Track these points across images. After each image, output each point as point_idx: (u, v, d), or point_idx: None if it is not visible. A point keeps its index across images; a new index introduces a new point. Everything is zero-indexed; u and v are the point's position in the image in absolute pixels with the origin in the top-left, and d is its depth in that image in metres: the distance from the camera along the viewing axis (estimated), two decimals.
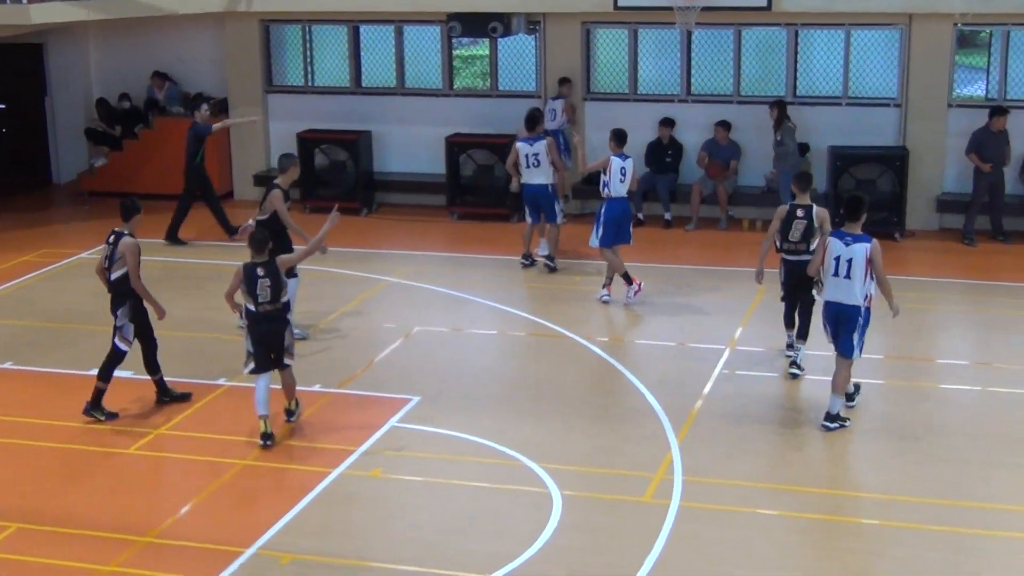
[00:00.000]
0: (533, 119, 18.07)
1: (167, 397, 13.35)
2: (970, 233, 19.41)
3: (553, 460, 11.84)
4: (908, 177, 19.56)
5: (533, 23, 21.18)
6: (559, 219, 18.00)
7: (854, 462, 12.06)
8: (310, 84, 22.93)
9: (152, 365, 13.29)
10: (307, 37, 22.90)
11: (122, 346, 13.01)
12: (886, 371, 14.23)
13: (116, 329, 13.03)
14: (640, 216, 20.53)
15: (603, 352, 14.77)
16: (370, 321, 15.99)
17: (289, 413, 12.78)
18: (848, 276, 12.26)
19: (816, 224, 13.76)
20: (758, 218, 20.43)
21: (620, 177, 16.23)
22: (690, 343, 15.18)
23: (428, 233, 20.67)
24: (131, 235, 13.11)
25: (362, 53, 22.59)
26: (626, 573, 9.83)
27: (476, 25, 20.33)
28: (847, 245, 12.29)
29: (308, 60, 22.99)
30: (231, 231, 19.51)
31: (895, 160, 19.63)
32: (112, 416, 13.02)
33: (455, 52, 22.56)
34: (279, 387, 12.51)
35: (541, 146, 17.76)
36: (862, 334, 12.44)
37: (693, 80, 21.21)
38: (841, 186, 19.54)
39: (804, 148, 20.26)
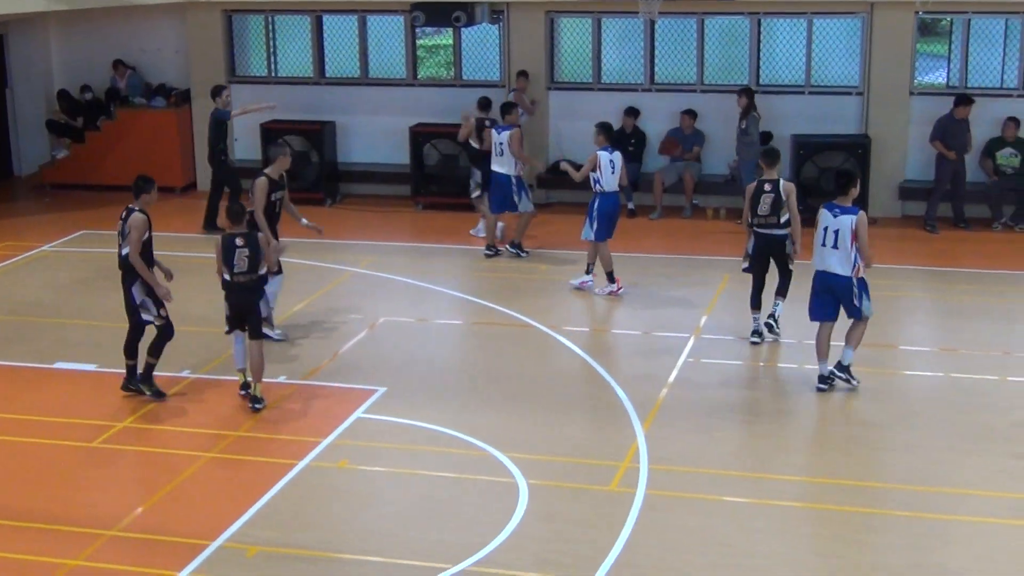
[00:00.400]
0: (503, 108, 18.33)
1: (132, 386, 13.21)
2: (932, 220, 19.54)
3: (519, 450, 11.85)
4: (870, 165, 19.66)
5: (497, 12, 21.16)
6: (522, 208, 18.01)
7: (820, 449, 12.12)
8: (273, 74, 22.85)
9: (131, 349, 13.16)
10: (270, 27, 22.81)
11: (148, 319, 12.97)
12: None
13: (136, 308, 12.93)
14: (631, 207, 20.48)
15: (569, 341, 14.79)
16: (335, 312, 15.95)
17: (255, 400, 12.80)
18: (835, 246, 12.71)
19: (783, 196, 14.07)
20: (722, 206, 20.51)
21: (611, 170, 16.21)
22: (655, 332, 15.21)
23: (393, 223, 20.64)
24: (141, 211, 12.93)
25: (325, 43, 22.52)
26: (593, 562, 9.85)
27: (440, 14, 20.27)
28: (835, 216, 12.71)
29: (271, 50, 22.90)
30: (210, 226, 19.31)
31: (857, 148, 19.72)
32: (160, 395, 13.03)
33: (419, 42, 22.52)
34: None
35: (506, 136, 17.80)
36: (862, 297, 12.86)
37: (657, 69, 21.25)
38: (804, 174, 19.65)
39: (767, 137, 20.32)
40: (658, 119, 20.90)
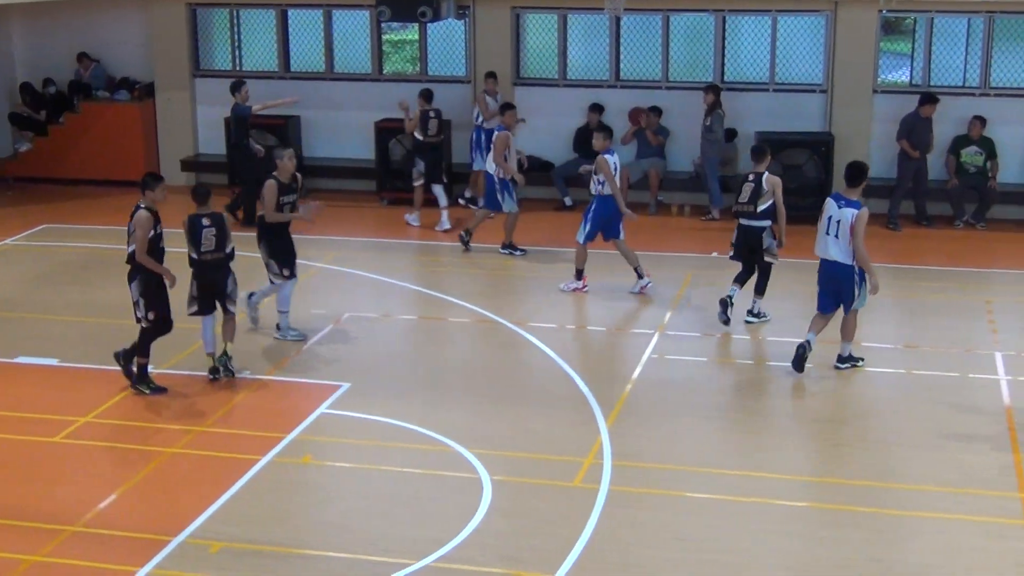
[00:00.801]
0: (500, 108, 18.55)
1: (140, 385, 13.06)
2: (895, 218, 19.66)
3: (483, 445, 11.86)
4: (834, 162, 19.75)
5: (463, 8, 21.16)
6: (505, 208, 18.01)
7: (783, 445, 12.17)
8: (238, 68, 22.76)
9: (145, 348, 13.02)
10: (235, 21, 22.72)
11: (138, 316, 12.92)
12: (814, 355, 14.37)
13: (133, 304, 12.93)
14: (568, 201, 20.62)
15: (533, 337, 14.81)
16: (299, 307, 15.88)
17: (226, 358, 13.37)
18: (836, 236, 13.15)
19: (766, 188, 14.60)
20: (686, 203, 20.58)
21: (615, 173, 16.16)
22: (619, 328, 15.25)
23: (357, 219, 20.60)
24: (147, 208, 12.82)
25: (290, 37, 22.45)
26: (556, 557, 9.87)
27: (405, 9, 20.24)
28: (839, 208, 13.16)
29: (236, 44, 22.81)
30: (249, 221, 19.11)
31: (821, 145, 19.82)
32: (160, 390, 13.01)
33: (384, 37, 22.50)
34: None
35: (494, 137, 18.02)
36: (861, 287, 13.26)
37: (622, 66, 21.29)
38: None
39: (732, 134, 20.43)
40: (623, 115, 20.94)
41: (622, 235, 16.20)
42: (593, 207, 16.19)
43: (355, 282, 17.01)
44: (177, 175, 22.33)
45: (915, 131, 19.38)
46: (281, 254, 14.51)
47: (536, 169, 21.00)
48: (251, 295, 14.88)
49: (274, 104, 20.14)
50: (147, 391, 13.02)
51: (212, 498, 10.84)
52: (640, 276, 16.26)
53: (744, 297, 15.14)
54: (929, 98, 19.41)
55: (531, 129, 20.99)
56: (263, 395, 13.21)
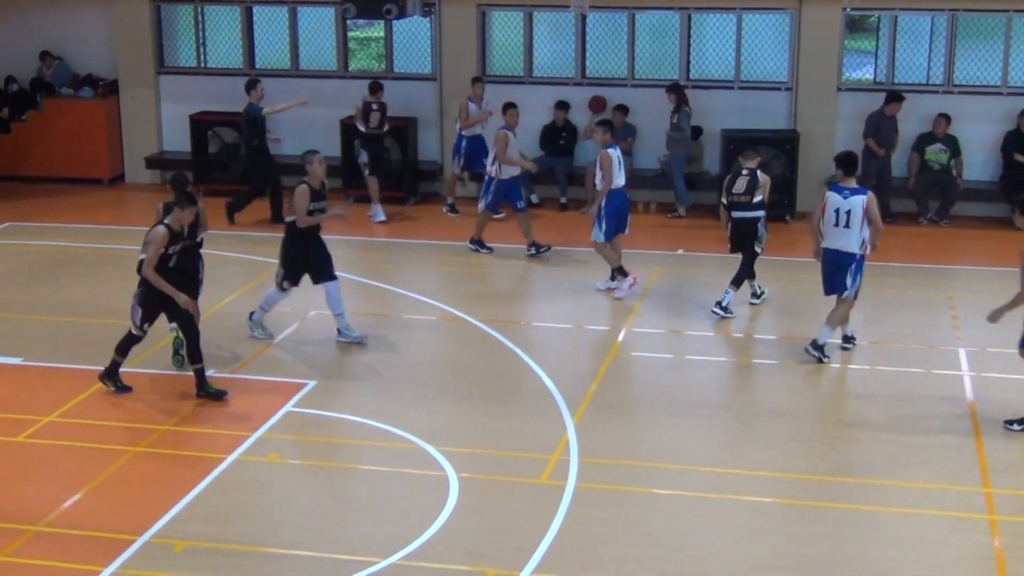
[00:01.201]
0: (503, 108, 18.23)
1: (203, 392, 12.82)
2: None
3: (449, 443, 11.85)
4: (798, 160, 19.84)
5: (428, 5, 21.11)
6: (479, 207, 18.05)
7: (748, 441, 12.21)
8: (203, 65, 22.66)
9: (194, 353, 12.78)
10: (199, 18, 22.61)
11: (132, 322, 12.78)
12: (778, 351, 14.45)
13: (131, 307, 12.82)
14: (535, 199, 20.63)
15: (499, 335, 14.81)
16: None
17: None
18: (847, 225, 13.46)
19: (761, 182, 15.14)
20: (652, 200, 20.62)
21: (619, 166, 16.13)
22: (586, 325, 15.27)
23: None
24: (168, 226, 12.53)
25: (255, 34, 22.37)
26: (522, 554, 9.87)
27: (371, 6, 20.12)
28: (845, 198, 13.44)
29: (200, 41, 22.71)
30: (277, 219, 19.16)
31: (786, 143, 19.90)
32: (125, 389, 12.89)
33: (350, 34, 22.45)
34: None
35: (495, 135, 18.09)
36: (855, 277, 13.61)
37: (588, 63, 21.32)
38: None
39: (697, 131, 20.48)
40: (589, 113, 20.94)
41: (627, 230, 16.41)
42: (604, 202, 16.01)
43: None
44: (142, 173, 22.27)
45: (881, 129, 19.48)
46: (293, 264, 14.23)
47: None
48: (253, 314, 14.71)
49: (284, 107, 20.02)
50: (112, 388, 12.93)
51: (177, 497, 10.79)
52: (617, 277, 16.25)
53: (717, 290, 15.25)
54: (894, 96, 19.50)
55: (498, 127, 20.97)
56: (229, 393, 13.15)
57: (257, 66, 22.30)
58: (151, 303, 12.71)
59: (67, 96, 22.65)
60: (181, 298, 12.56)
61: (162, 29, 22.48)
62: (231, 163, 21.37)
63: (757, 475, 11.37)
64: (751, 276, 15.49)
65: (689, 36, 20.89)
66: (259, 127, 19.55)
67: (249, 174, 19.81)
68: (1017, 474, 11.36)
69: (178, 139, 22.05)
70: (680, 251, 18.27)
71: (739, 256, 15.37)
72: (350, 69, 22.18)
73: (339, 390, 13.17)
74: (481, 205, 18.00)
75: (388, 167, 20.70)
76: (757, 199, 15.07)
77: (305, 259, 14.27)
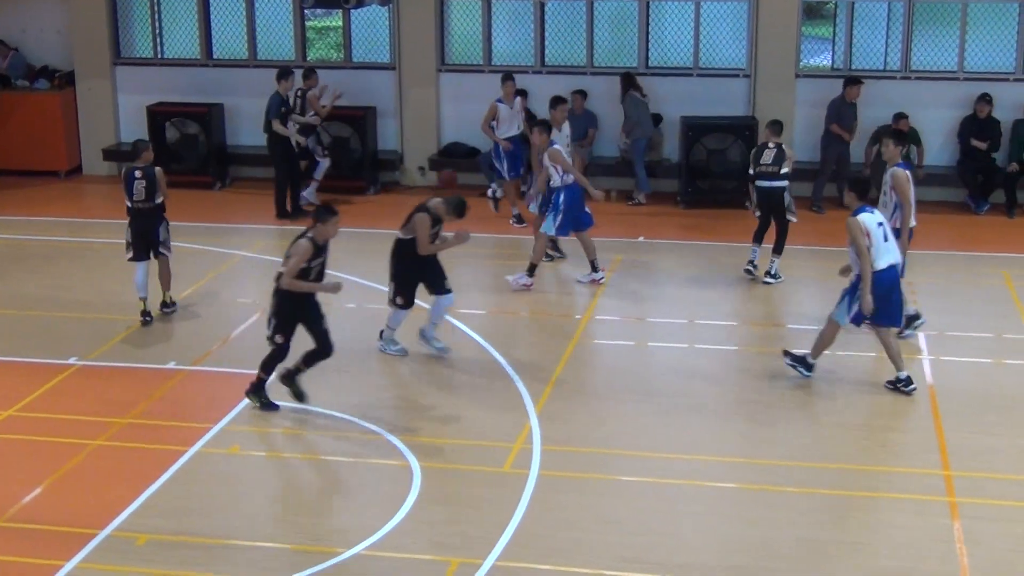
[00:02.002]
0: (550, 103, 17.73)
1: (251, 396, 12.45)
2: (818, 201, 19.85)
3: (411, 432, 11.85)
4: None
5: None
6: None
7: (711, 427, 12.24)
8: (159, 56, 22.50)
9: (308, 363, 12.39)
10: (155, 7, 22.43)
11: (278, 342, 12.30)
12: (740, 338, 14.51)
13: (267, 318, 12.38)
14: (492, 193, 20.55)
15: (461, 324, 14.79)
16: (225, 297, 15.80)
17: (165, 305, 14.85)
18: (888, 238, 12.95)
19: (788, 154, 16.12)
20: (613, 188, 20.61)
21: (567, 157, 16.04)
22: (548, 313, 15.28)
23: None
24: (311, 239, 12.03)
25: (212, 23, 22.22)
26: (486, 543, 9.88)
27: None
28: (872, 213, 12.99)
29: (157, 31, 22.53)
30: (295, 210, 19.33)
31: (744, 129, 19.95)
32: (272, 407, 12.35)
33: (308, 23, 22.32)
34: None
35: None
36: (843, 300, 13.08)
37: (547, 51, 21.30)
38: (693, 156, 19.87)
39: (657, 119, 20.51)
40: (548, 101, 20.90)
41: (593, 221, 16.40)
42: (561, 196, 15.84)
43: None
44: (99, 164, 22.09)
45: (842, 115, 19.55)
46: (405, 278, 13.81)
47: (462, 156, 21.00)
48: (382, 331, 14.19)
49: (326, 107, 20.17)
50: (257, 404, 12.42)
51: (139, 490, 10.74)
52: (594, 268, 16.22)
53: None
54: (853, 80, 19.58)
55: (457, 116, 20.97)
56: (189, 385, 13.10)
57: (214, 56, 22.15)
58: (283, 314, 12.23)
59: (23, 88, 22.44)
60: (330, 286, 12.20)
61: (118, 19, 22.30)
62: (188, 154, 21.24)
63: (720, 460, 11.41)
64: (777, 251, 16.23)
65: (648, 24, 20.91)
66: (276, 117, 19.32)
67: (273, 160, 19.72)
68: (975, 456, 11.45)
69: (135, 130, 21.83)
70: (640, 238, 18.30)
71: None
72: (308, 58, 22.06)
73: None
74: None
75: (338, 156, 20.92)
76: (785, 170, 15.98)
77: (413, 275, 13.72)
